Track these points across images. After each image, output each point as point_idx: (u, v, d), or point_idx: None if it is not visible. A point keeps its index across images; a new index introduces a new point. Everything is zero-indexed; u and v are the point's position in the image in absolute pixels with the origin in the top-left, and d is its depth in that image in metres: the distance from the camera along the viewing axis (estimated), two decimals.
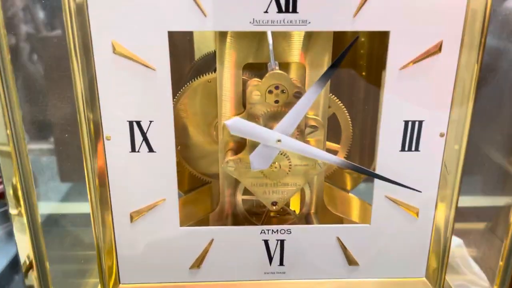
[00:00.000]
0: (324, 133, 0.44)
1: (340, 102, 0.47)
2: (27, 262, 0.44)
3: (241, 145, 0.44)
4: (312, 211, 0.49)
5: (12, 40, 0.39)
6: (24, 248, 0.43)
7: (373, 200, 0.43)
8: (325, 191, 0.51)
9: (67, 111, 0.40)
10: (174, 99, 0.46)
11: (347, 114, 0.48)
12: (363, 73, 0.50)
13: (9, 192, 0.41)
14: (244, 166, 0.43)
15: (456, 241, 0.68)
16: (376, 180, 0.42)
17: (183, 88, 0.46)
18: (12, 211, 0.42)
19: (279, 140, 0.39)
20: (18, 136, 0.39)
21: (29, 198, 0.41)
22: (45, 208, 0.46)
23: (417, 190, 0.41)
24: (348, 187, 0.55)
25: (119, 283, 0.45)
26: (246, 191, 0.47)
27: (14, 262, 0.67)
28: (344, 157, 0.49)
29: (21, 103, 0.39)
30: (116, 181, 0.41)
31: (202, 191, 0.54)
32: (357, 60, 0.50)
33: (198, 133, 0.48)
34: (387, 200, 0.43)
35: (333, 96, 0.47)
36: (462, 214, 0.64)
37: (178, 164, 0.51)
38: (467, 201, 0.60)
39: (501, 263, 0.48)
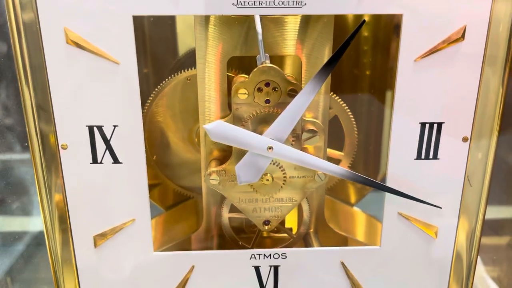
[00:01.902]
0: (324, 138, 0.38)
1: (343, 102, 0.41)
2: None
3: (227, 154, 0.37)
4: (312, 230, 0.42)
5: None
6: None
7: (383, 218, 0.36)
8: (325, 205, 0.44)
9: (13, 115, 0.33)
10: (148, 100, 0.40)
11: (352, 116, 0.41)
12: (371, 68, 0.43)
13: None
14: (230, 179, 0.36)
15: None
16: (388, 195, 0.36)
17: (158, 87, 0.39)
18: None
19: (270, 148, 0.33)
20: None
21: None
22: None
23: (436, 206, 0.35)
24: (352, 200, 0.49)
25: None
26: (234, 208, 0.40)
27: None
28: (349, 167, 0.42)
29: None
30: (75, 199, 0.34)
31: (186, 207, 0.47)
32: (363, 52, 0.44)
33: (177, 140, 0.41)
34: (401, 218, 0.36)
35: (335, 95, 0.40)
36: None
37: (158, 176, 0.45)
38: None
39: None
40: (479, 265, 0.60)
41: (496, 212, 0.58)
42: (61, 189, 0.34)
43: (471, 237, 0.37)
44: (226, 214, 0.40)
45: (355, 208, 0.49)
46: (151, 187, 0.37)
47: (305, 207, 0.40)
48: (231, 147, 0.36)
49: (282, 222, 0.43)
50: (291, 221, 0.44)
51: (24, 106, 0.32)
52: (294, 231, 0.43)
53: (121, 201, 0.35)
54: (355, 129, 0.41)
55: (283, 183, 0.37)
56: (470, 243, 0.37)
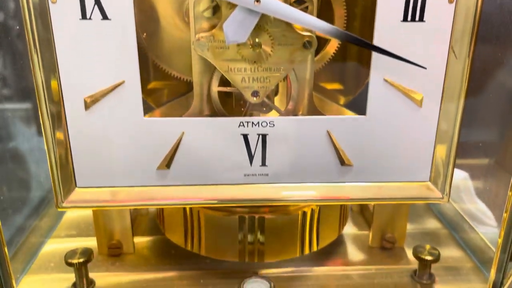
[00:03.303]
0: (315, 2, 0.38)
1: None
2: None
3: (215, 23, 0.38)
4: (301, 112, 0.43)
5: None
6: None
7: (369, 86, 0.37)
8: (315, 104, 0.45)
9: None
10: None
11: None
12: None
13: None
14: (218, 45, 0.37)
15: (460, 174, 0.63)
16: (374, 60, 0.36)
17: None
18: None
19: (257, 0, 0.33)
20: None
21: None
22: None
23: (421, 66, 0.35)
24: (341, 101, 0.50)
25: (76, 186, 0.39)
26: (224, 84, 0.40)
27: None
28: None
29: None
30: (65, 56, 0.35)
31: (179, 103, 0.48)
32: None
33: (167, 19, 0.41)
34: (386, 85, 0.37)
35: None
36: (467, 148, 0.59)
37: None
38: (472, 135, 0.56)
39: (510, 193, 0.42)
40: (467, 180, 0.62)
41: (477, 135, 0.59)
42: (52, 46, 0.34)
43: (456, 106, 0.38)
44: (215, 88, 0.40)
45: (344, 108, 0.50)
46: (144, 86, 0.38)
47: (294, 83, 0.40)
48: (219, 18, 0.36)
49: (272, 100, 0.44)
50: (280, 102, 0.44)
51: None
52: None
53: (110, 61, 0.35)
54: None
55: (271, 51, 0.37)
56: (454, 113, 0.38)
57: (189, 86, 0.45)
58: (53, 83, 0.35)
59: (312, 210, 0.45)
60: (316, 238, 0.47)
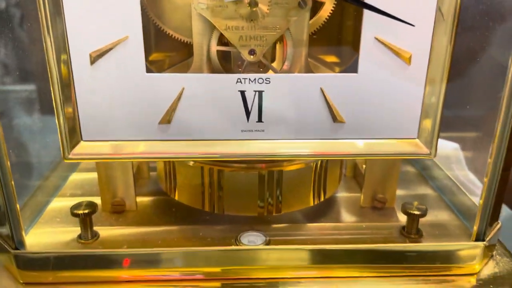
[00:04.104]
0: None
1: None
2: None
3: None
4: (297, 71, 0.45)
5: None
6: None
7: (360, 45, 0.39)
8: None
9: None
10: None
11: None
12: None
13: None
14: (217, 4, 0.39)
15: (452, 145, 0.65)
16: (366, 19, 0.38)
17: None
18: None
19: None
20: None
21: None
22: None
23: (410, 24, 0.37)
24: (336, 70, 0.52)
25: (81, 139, 0.41)
26: (222, 43, 0.42)
27: None
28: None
29: None
30: (71, 13, 0.36)
31: (179, 67, 0.50)
32: None
33: None
34: (377, 44, 0.39)
35: None
36: (459, 122, 0.62)
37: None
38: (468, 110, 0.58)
39: (489, 159, 0.44)
40: (458, 151, 0.64)
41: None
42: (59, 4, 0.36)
43: (442, 65, 0.39)
44: (214, 48, 0.42)
45: None
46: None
47: (290, 41, 0.42)
48: None
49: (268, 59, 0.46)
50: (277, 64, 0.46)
51: None
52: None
53: (114, 18, 0.37)
54: None
55: (268, 9, 0.39)
56: (441, 71, 0.40)
57: (189, 52, 0.47)
58: (61, 39, 0.37)
59: (322, 162, 0.47)
60: (324, 189, 0.50)
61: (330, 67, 0.52)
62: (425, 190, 0.59)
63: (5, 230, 0.42)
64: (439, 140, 0.43)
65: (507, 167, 0.43)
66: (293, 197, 0.49)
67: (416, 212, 0.46)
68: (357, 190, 0.56)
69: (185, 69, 0.47)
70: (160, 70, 0.49)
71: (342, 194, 0.56)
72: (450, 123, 0.52)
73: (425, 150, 0.42)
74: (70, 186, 0.56)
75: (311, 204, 0.50)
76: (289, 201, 0.49)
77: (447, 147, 0.68)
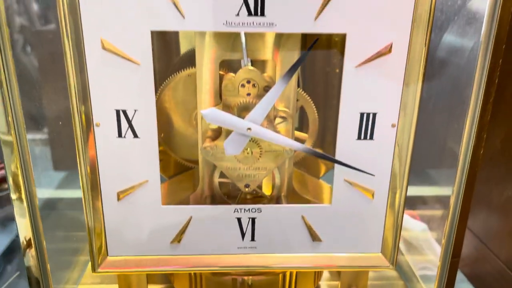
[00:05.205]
0: (292, 123, 0.50)
1: (308, 96, 0.52)
2: (25, 242, 0.48)
3: (218, 133, 0.49)
4: (283, 194, 0.55)
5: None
6: (24, 229, 0.48)
7: (333, 183, 0.49)
8: (297, 177, 0.56)
9: (60, 102, 0.44)
10: (158, 91, 0.51)
11: (314, 107, 0.53)
12: (329, 70, 0.55)
13: (10, 178, 0.45)
14: (220, 152, 0.48)
15: (421, 225, 0.75)
16: (336, 165, 0.48)
17: (166, 80, 0.51)
18: (13, 195, 0.46)
19: (249, 128, 0.45)
20: (19, 124, 0.44)
21: (28, 183, 0.46)
22: (41, 193, 0.50)
23: (371, 174, 0.47)
24: (320, 174, 0.61)
25: (107, 255, 0.50)
26: (223, 175, 0.52)
27: (7, 252, 0.71)
28: (312, 146, 0.54)
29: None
30: (105, 163, 0.46)
31: (185, 176, 0.59)
32: (325, 58, 0.56)
33: (180, 122, 0.53)
34: (346, 183, 0.49)
35: (302, 91, 0.52)
36: (426, 202, 0.71)
37: (163, 152, 0.56)
38: (435, 191, 0.67)
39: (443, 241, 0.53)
40: (426, 231, 0.73)
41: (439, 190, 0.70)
42: (95, 158, 0.46)
43: (400, 199, 0.49)
44: (216, 179, 0.52)
45: (321, 180, 0.61)
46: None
47: (277, 175, 0.52)
48: (221, 127, 0.48)
49: (260, 187, 0.55)
50: (267, 188, 0.56)
51: (70, 95, 0.43)
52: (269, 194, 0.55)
53: (138, 166, 0.47)
54: (317, 117, 0.53)
55: (260, 156, 0.49)
56: (399, 202, 0.49)
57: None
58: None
59: (291, 273, 0.56)
60: None
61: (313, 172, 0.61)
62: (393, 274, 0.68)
63: None
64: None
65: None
66: None
67: None
68: (337, 277, 0.65)
69: (191, 177, 0.57)
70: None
71: (323, 282, 0.64)
72: None
73: (386, 263, 0.52)
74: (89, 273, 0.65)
75: None
76: None
77: (415, 228, 0.77)
